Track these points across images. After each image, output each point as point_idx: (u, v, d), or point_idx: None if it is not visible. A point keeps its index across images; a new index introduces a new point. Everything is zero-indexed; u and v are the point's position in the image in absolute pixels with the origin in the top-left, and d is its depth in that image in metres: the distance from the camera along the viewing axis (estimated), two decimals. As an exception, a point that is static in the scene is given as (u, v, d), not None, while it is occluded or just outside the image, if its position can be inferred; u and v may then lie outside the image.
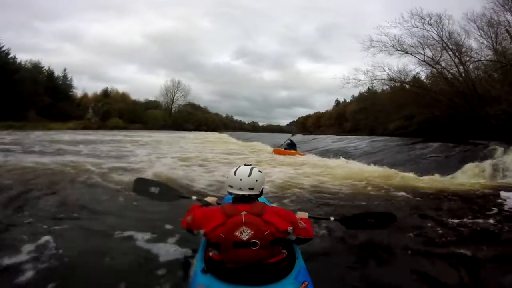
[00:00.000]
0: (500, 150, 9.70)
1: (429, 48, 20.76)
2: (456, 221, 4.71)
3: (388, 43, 21.11)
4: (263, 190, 2.53)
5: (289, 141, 16.95)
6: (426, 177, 8.54)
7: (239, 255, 2.14)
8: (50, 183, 6.46)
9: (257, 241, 2.11)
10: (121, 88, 71.22)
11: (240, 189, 2.33)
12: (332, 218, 3.37)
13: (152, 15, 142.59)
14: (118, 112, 54.23)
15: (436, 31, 20.14)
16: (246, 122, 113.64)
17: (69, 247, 3.30)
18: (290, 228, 2.23)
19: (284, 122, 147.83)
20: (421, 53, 20.96)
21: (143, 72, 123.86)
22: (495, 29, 18.28)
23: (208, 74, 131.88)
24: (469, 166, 9.05)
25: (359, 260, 3.30)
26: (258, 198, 2.47)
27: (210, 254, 2.27)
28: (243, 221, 2.15)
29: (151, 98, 69.32)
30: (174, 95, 67.91)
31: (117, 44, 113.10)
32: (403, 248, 3.61)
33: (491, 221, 4.76)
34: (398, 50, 21.17)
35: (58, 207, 4.84)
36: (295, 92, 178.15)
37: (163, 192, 3.52)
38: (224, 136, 36.42)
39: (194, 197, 3.32)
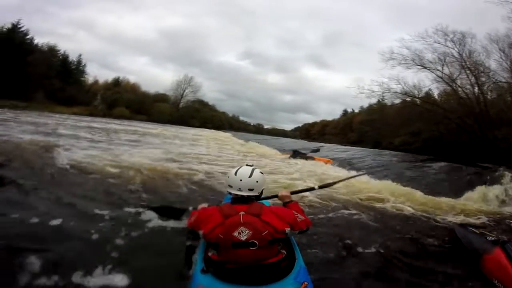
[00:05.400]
0: (509, 176, 9.40)
1: (448, 66, 20.62)
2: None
3: (408, 57, 21.02)
4: (263, 191, 2.60)
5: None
6: (435, 197, 8.05)
7: (238, 255, 2.14)
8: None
9: (256, 241, 2.12)
10: (130, 78, 70.30)
11: (239, 189, 2.36)
12: (316, 187, 3.66)
13: (163, 10, 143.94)
14: (126, 102, 54.04)
15: (458, 49, 19.98)
16: (252, 124, 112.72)
17: (70, 244, 3.22)
18: (287, 229, 2.24)
19: (287, 126, 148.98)
20: (439, 70, 20.86)
21: (152, 65, 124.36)
22: (516, 51, 17.95)
23: (213, 72, 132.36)
24: (479, 190, 8.69)
25: (359, 260, 3.44)
26: (257, 201, 2.49)
27: (210, 254, 2.27)
28: (241, 221, 2.16)
29: (161, 91, 69.00)
30: (184, 90, 67.37)
31: (129, 35, 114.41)
32: (402, 252, 3.94)
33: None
34: (417, 64, 21.12)
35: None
36: (299, 97, 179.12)
37: None
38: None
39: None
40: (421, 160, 15.96)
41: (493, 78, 19.44)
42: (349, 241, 3.95)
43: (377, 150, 24.58)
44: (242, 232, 2.12)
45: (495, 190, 8.61)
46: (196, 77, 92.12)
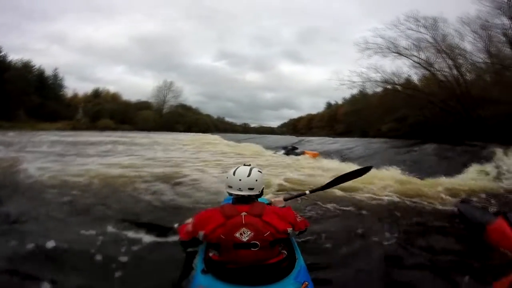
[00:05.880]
0: (499, 152, 9.70)
1: (423, 51, 20.99)
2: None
3: (383, 45, 21.37)
4: (263, 190, 2.54)
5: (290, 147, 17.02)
6: (431, 180, 8.11)
7: (239, 256, 2.15)
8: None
9: (257, 242, 2.12)
10: (110, 89, 69.14)
11: (239, 189, 2.33)
12: (307, 192, 3.58)
13: (135, 17, 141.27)
14: (109, 112, 53.46)
15: (431, 34, 20.41)
16: (238, 124, 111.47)
17: (70, 248, 3.29)
18: (290, 229, 2.25)
19: (273, 123, 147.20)
20: (416, 56, 21.24)
21: (129, 73, 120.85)
22: (489, 32, 18.48)
23: (191, 75, 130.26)
24: (473, 168, 8.92)
25: (359, 260, 3.34)
26: (258, 199, 2.47)
27: (210, 254, 2.28)
28: (243, 222, 2.16)
29: (143, 99, 68.21)
30: (166, 96, 67.02)
31: (104, 45, 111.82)
32: (405, 238, 3.90)
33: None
34: (393, 52, 21.48)
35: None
36: (280, 93, 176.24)
37: None
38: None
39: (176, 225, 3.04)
40: (410, 144, 15.92)
41: (470, 59, 19.82)
42: (348, 239, 3.89)
43: (365, 139, 24.57)
44: (244, 233, 2.13)
45: (488, 167, 8.86)
46: (176, 81, 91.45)
